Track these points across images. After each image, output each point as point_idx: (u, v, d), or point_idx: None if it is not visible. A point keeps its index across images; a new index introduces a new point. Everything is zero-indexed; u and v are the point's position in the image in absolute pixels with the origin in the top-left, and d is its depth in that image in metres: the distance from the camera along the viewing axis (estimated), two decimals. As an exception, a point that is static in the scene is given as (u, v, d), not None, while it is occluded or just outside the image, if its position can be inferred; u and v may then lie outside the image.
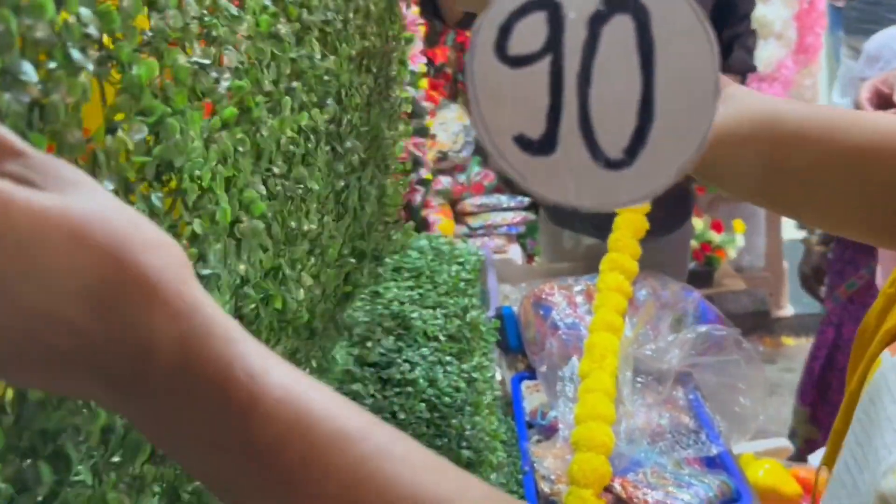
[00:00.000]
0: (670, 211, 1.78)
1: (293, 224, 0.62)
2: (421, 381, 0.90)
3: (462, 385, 0.92)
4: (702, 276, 2.69)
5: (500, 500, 0.35)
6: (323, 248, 0.69)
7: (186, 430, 0.32)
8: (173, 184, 0.46)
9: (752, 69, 2.01)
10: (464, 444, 0.83)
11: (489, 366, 1.20)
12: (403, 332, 0.99)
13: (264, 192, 0.56)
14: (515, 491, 1.28)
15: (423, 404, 0.86)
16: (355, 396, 0.86)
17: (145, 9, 0.43)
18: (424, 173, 2.11)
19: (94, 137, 0.39)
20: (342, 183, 0.75)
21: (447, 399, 0.89)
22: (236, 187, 0.53)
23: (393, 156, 0.93)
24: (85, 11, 0.36)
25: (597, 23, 0.47)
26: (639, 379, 1.55)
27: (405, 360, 0.94)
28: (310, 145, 0.66)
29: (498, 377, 1.87)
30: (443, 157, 2.65)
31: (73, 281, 0.29)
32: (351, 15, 0.76)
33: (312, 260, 0.67)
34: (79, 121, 0.37)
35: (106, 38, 0.39)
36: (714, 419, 1.48)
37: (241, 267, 0.53)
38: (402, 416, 0.84)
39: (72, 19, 0.36)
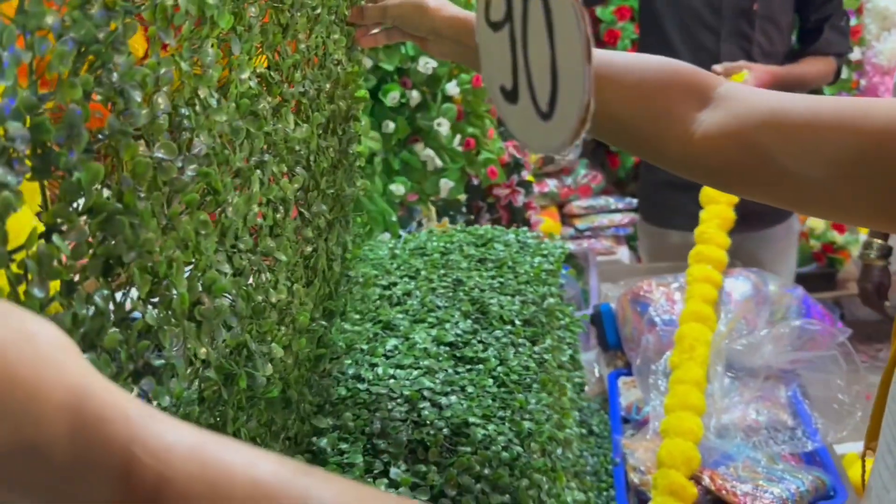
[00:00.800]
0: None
1: (260, 297, 0.61)
2: (492, 359, 0.96)
3: (532, 365, 0.97)
4: (824, 278, 2.58)
5: None
6: (293, 316, 0.69)
7: None
8: (123, 277, 0.45)
9: (845, 51, 1.92)
10: (526, 416, 0.88)
11: (566, 350, 1.24)
12: (480, 315, 1.06)
13: (229, 271, 0.56)
14: (605, 481, 1.31)
15: (491, 380, 0.92)
16: (428, 371, 0.93)
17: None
18: (526, 175, 2.17)
19: (25, 245, 0.38)
20: (310, 248, 0.75)
21: (515, 376, 0.94)
22: (198, 269, 0.52)
23: (352, 212, 0.93)
24: (14, 124, 0.36)
25: (525, 3, 0.56)
26: (729, 374, 1.53)
27: (479, 341, 1.01)
28: (278, 216, 0.66)
29: (596, 373, 1.89)
30: (549, 160, 2.69)
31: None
32: (325, 84, 0.78)
33: (283, 329, 0.66)
34: (3, 233, 0.36)
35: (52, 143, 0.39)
36: (812, 416, 1.45)
37: (202, 350, 0.52)
38: (470, 389, 0.90)
39: None
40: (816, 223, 2.62)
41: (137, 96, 0.44)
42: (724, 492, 1.33)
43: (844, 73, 2.58)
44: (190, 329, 0.51)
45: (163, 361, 0.48)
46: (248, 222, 0.59)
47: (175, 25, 0.48)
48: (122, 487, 0.28)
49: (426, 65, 1.62)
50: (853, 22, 2.55)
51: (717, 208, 1.59)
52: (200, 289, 0.53)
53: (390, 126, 1.64)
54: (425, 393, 0.89)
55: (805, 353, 1.58)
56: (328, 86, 0.79)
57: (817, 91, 1.89)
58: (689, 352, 1.40)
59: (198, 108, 0.52)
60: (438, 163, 1.69)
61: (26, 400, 0.27)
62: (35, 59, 0.38)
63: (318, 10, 0.75)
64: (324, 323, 0.79)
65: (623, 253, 2.68)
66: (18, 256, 0.38)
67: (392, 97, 1.64)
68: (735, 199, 1.60)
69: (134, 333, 0.46)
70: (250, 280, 0.61)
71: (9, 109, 0.36)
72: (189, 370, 0.52)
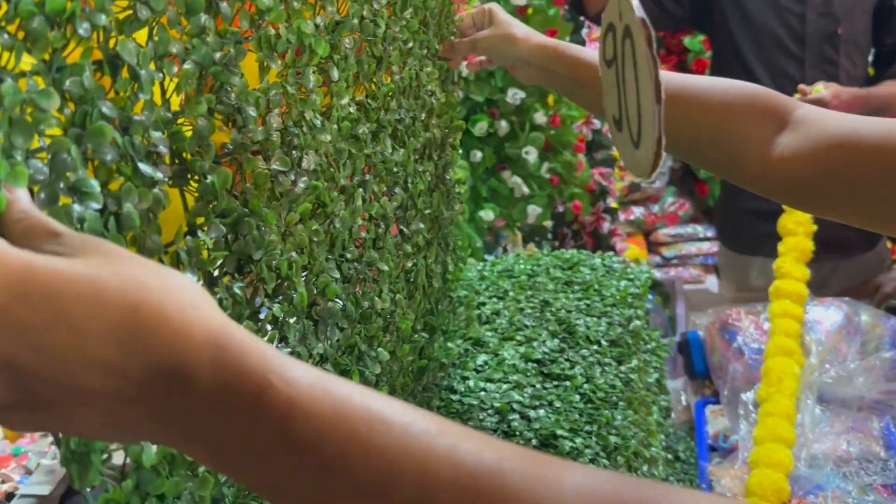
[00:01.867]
0: (856, 230, 1.73)
1: (366, 304, 0.66)
2: (579, 377, 1.00)
3: (618, 384, 1.01)
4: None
5: (553, 467, 0.34)
6: (396, 324, 0.73)
7: (234, 444, 0.33)
8: (253, 274, 0.51)
9: None
10: (612, 431, 0.91)
11: (653, 373, 1.26)
12: (567, 335, 1.10)
13: (338, 276, 0.61)
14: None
15: (577, 396, 0.96)
16: (517, 385, 0.98)
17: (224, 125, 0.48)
18: (611, 202, 2.20)
19: (175, 239, 0.44)
20: (410, 263, 0.79)
21: (601, 394, 0.98)
22: (312, 273, 0.58)
23: (452, 234, 0.97)
24: (156, 133, 0.42)
25: (623, 43, 0.64)
26: (820, 405, 1.52)
27: (566, 359, 1.05)
28: (379, 230, 0.71)
29: (683, 401, 1.90)
30: (635, 187, 2.71)
31: (97, 326, 0.30)
32: (420, 113, 0.83)
33: (387, 336, 0.71)
34: (157, 226, 0.41)
35: (186, 153, 0.45)
36: (908, 447, 1.42)
37: (319, 346, 0.57)
38: (557, 404, 0.95)
39: (138, 141, 0.40)
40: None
41: (253, 113, 0.50)
42: (810, 523, 1.33)
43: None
44: (308, 326, 0.56)
45: (289, 351, 0.53)
46: (353, 234, 0.65)
47: (279, 52, 0.54)
48: (258, 407, 0.32)
49: (514, 96, 1.69)
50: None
51: (794, 241, 1.59)
52: (315, 291, 0.58)
53: (478, 155, 1.71)
54: (514, 405, 0.94)
55: None
56: (423, 115, 0.84)
57: None
58: (776, 385, 1.41)
59: (304, 128, 0.57)
60: (525, 190, 1.75)
61: (172, 335, 0.32)
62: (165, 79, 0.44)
63: (410, 45, 0.81)
64: (425, 335, 0.83)
65: (711, 281, 2.66)
66: (171, 250, 0.44)
67: (480, 127, 1.71)
68: (812, 228, 1.59)
69: (265, 325, 0.52)
70: (357, 287, 0.66)
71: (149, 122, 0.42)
72: (309, 363, 0.57)
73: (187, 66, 0.45)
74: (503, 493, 0.32)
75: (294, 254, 0.55)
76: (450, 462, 0.32)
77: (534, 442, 0.88)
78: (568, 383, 0.99)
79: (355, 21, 0.67)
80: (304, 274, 0.57)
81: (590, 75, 0.75)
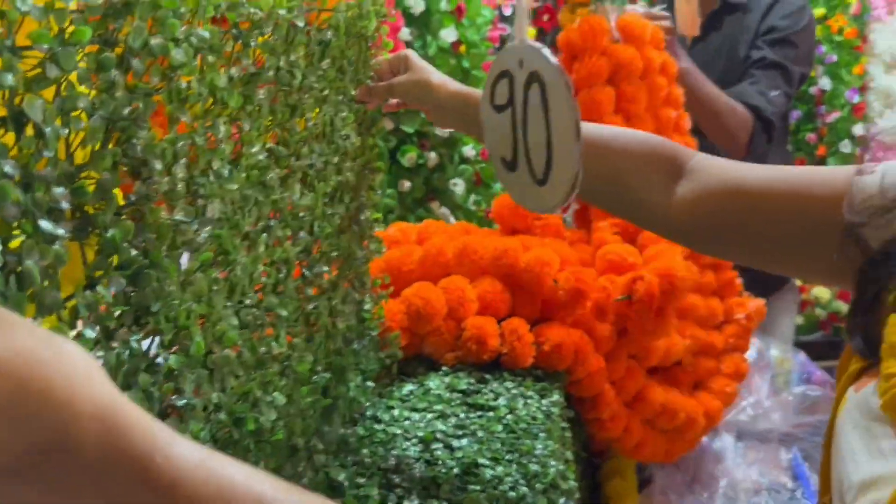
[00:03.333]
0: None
1: (263, 349, 0.67)
2: (502, 408, 1.02)
3: (540, 416, 1.03)
4: (830, 346, 2.63)
5: None
6: (294, 368, 0.74)
7: None
8: (151, 326, 0.51)
9: (762, 108, 1.74)
10: (533, 460, 0.93)
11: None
12: (492, 366, 1.12)
13: (236, 323, 0.61)
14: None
15: (500, 426, 0.98)
16: (441, 415, 0.99)
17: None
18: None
19: (75, 294, 0.44)
20: (311, 305, 0.80)
21: (523, 424, 1.00)
22: (210, 321, 0.58)
23: (368, 273, 0.99)
24: (58, 189, 0.42)
25: (526, 89, 0.68)
26: (740, 443, 1.58)
27: (490, 391, 1.07)
28: (280, 275, 0.71)
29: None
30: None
31: None
32: (333, 158, 0.84)
33: (284, 380, 0.72)
34: (56, 282, 0.41)
35: (88, 206, 0.45)
36: (812, 477, 1.49)
37: (214, 395, 0.58)
38: (480, 433, 0.96)
39: (40, 196, 0.40)
40: (822, 293, 2.67)
41: (159, 165, 0.51)
42: (724, 549, 1.37)
43: (848, 148, 2.67)
44: (204, 375, 0.57)
45: (184, 402, 0.53)
46: (253, 280, 0.65)
47: (189, 105, 0.55)
48: (141, 486, 0.32)
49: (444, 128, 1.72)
50: (857, 99, 2.66)
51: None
52: (212, 339, 0.58)
53: (406, 185, 1.73)
54: (438, 435, 0.95)
55: (808, 418, 1.63)
56: (336, 158, 0.85)
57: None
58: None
59: (211, 177, 0.58)
60: (453, 221, 1.77)
61: (60, 408, 0.31)
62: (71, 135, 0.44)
63: (326, 92, 0.82)
64: (327, 375, 0.83)
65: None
66: (70, 304, 0.44)
67: (409, 158, 1.73)
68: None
69: (161, 376, 0.52)
70: (255, 334, 0.67)
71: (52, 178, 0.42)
72: (203, 413, 0.57)
73: (94, 121, 0.45)
74: None
75: (193, 303, 0.55)
76: None
77: (456, 470, 0.89)
78: (491, 413, 1.01)
79: (271, 73, 0.68)
80: (201, 322, 0.57)
81: None
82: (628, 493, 1.34)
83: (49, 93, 0.42)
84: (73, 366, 0.32)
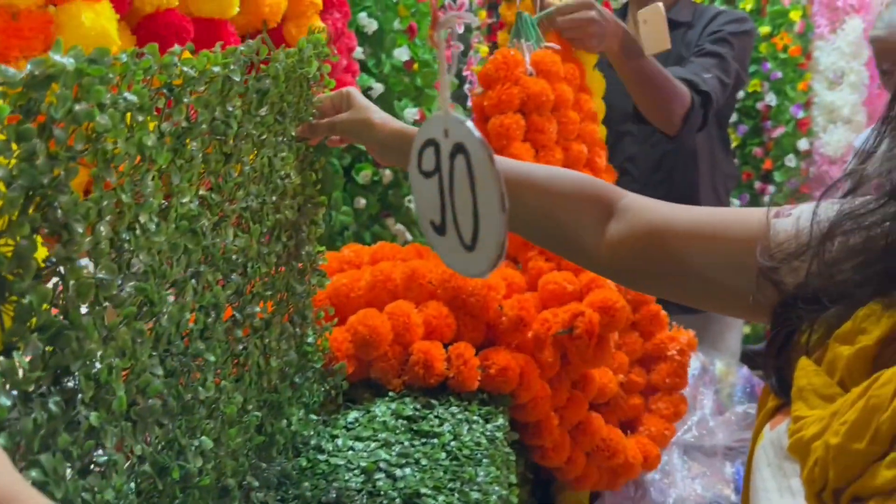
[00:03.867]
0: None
1: (189, 396, 0.66)
2: (447, 434, 1.03)
3: (483, 441, 1.04)
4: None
5: None
6: (222, 409, 0.73)
7: None
8: (70, 385, 0.51)
9: (701, 86, 1.74)
10: (475, 487, 0.94)
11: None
12: (439, 390, 1.13)
13: (161, 373, 0.60)
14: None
15: (444, 453, 0.99)
16: (385, 444, 1.00)
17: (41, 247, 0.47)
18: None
19: None
20: (240, 346, 0.79)
21: (467, 451, 1.01)
22: (134, 373, 0.57)
23: (310, 307, 0.98)
24: None
25: (452, 158, 0.69)
26: (686, 458, 1.61)
27: (436, 416, 1.08)
28: (209, 319, 0.70)
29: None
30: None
31: None
32: (270, 197, 0.83)
33: (211, 423, 0.71)
34: None
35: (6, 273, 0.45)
36: (753, 492, 1.52)
37: (138, 447, 0.57)
38: (423, 461, 0.97)
39: None
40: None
41: (80, 228, 0.50)
42: (667, 563, 1.40)
43: (793, 162, 2.73)
44: (127, 428, 0.56)
45: (105, 458, 0.53)
46: (180, 328, 0.64)
47: (114, 165, 0.54)
48: None
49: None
50: (801, 115, 2.72)
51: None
52: (136, 391, 0.58)
53: (362, 202, 1.73)
54: (381, 464, 0.95)
55: (750, 433, 1.66)
56: (274, 198, 0.85)
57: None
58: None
59: (138, 231, 0.57)
60: (409, 237, 1.78)
61: None
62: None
63: (264, 136, 0.81)
64: (258, 414, 0.82)
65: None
66: None
67: (364, 175, 1.73)
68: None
69: (81, 434, 0.51)
70: (181, 381, 0.66)
71: None
72: (126, 465, 0.56)
73: (13, 190, 0.45)
74: None
75: (115, 359, 0.54)
76: None
77: (397, 501, 0.89)
78: (435, 440, 1.01)
79: (204, 126, 0.67)
80: (125, 375, 0.57)
81: None
82: (579, 508, 1.36)
83: None
84: None
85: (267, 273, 0.84)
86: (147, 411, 0.58)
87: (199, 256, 0.68)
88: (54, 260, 0.49)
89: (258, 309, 0.82)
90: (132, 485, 0.58)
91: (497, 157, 0.74)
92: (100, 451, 0.53)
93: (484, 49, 2.07)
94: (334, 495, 0.88)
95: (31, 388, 0.47)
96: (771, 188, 2.75)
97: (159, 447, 0.61)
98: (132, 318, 0.57)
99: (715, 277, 0.63)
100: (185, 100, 0.63)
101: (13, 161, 0.45)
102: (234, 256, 0.75)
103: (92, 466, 0.53)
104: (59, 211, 0.48)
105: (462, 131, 0.66)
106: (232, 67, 0.70)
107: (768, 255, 0.58)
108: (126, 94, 0.54)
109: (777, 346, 0.54)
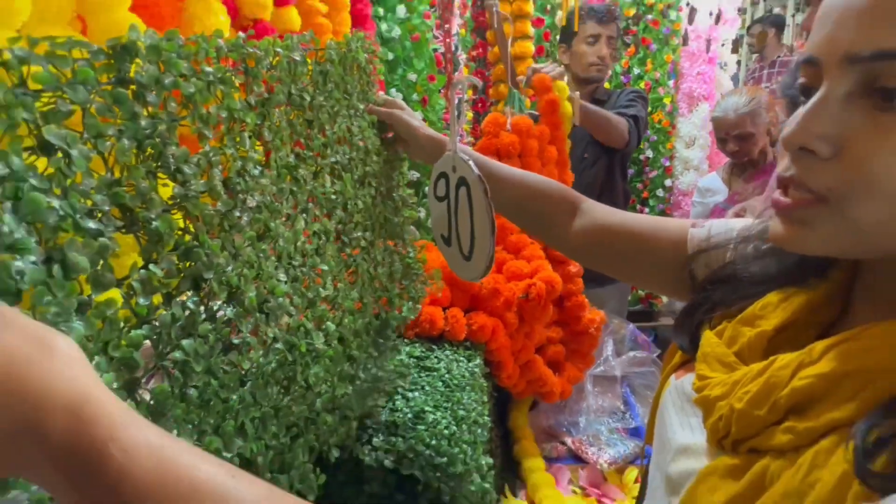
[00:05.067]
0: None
1: (311, 294, 0.58)
2: (443, 369, 0.95)
3: (467, 375, 0.96)
4: (646, 314, 2.64)
5: None
6: (341, 304, 0.65)
7: (76, 497, 0.26)
8: (207, 288, 0.44)
9: (635, 114, 1.70)
10: (461, 406, 0.86)
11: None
12: (438, 339, 1.05)
13: (284, 279, 0.53)
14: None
15: (440, 382, 0.91)
16: (402, 375, 0.91)
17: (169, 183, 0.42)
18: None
19: (130, 273, 0.38)
20: (351, 260, 0.70)
21: (456, 381, 0.93)
22: (262, 280, 0.50)
23: (408, 232, 0.87)
24: (98, 196, 0.35)
25: (457, 189, 0.65)
26: (595, 385, 1.54)
27: (436, 357, 1.00)
28: (321, 242, 0.63)
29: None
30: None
31: None
32: (357, 154, 0.74)
33: (334, 314, 0.63)
34: (109, 266, 0.35)
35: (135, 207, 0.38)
36: (637, 405, 1.46)
37: (270, 331, 0.50)
38: (427, 388, 0.89)
39: (79, 203, 0.34)
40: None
41: (188, 170, 0.43)
42: (580, 452, 1.33)
43: (661, 193, 2.68)
44: (261, 318, 0.49)
45: (238, 341, 0.45)
46: (297, 248, 0.56)
47: (212, 125, 0.46)
48: (95, 472, 0.25)
49: (411, 175, 1.62)
50: (667, 164, 2.67)
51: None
52: (265, 291, 0.50)
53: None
54: (399, 390, 0.87)
55: (636, 368, 1.59)
56: (359, 154, 0.75)
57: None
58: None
59: (247, 177, 0.49)
60: (417, 234, 1.68)
61: (34, 402, 0.25)
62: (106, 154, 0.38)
63: (336, 108, 0.71)
64: (376, 305, 0.74)
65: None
66: (126, 282, 0.38)
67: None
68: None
69: (219, 324, 0.44)
70: (304, 283, 0.57)
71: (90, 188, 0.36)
72: (263, 345, 0.49)
73: (122, 143, 0.38)
74: None
75: (244, 269, 0.47)
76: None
77: (409, 415, 0.81)
78: (435, 373, 0.94)
79: (281, 96, 0.58)
80: (255, 283, 0.49)
81: None
82: (522, 416, 1.29)
83: (76, 122, 0.36)
84: (53, 361, 0.26)
85: (364, 209, 0.75)
86: (276, 306, 0.50)
87: (305, 197, 0.59)
88: (177, 199, 0.42)
89: (357, 234, 0.72)
90: (269, 359, 0.50)
91: (491, 161, 0.69)
92: (236, 338, 0.45)
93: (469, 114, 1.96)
94: (367, 410, 0.80)
95: (169, 291, 0.40)
96: (647, 210, 2.70)
97: (288, 333, 0.53)
98: (254, 240, 0.49)
99: (649, 266, 0.59)
100: (259, 77, 0.55)
101: (119, 120, 0.39)
102: (333, 196, 0.66)
103: (230, 347, 0.46)
104: (171, 159, 0.41)
105: (465, 169, 0.58)
106: (293, 50, 0.60)
107: (689, 255, 0.55)
108: (204, 67, 0.46)
109: (689, 317, 0.49)
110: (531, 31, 1.75)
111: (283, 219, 0.55)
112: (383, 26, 1.48)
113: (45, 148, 0.33)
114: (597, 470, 1.27)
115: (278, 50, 0.57)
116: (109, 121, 0.37)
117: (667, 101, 2.62)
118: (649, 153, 2.73)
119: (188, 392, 0.40)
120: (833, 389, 0.33)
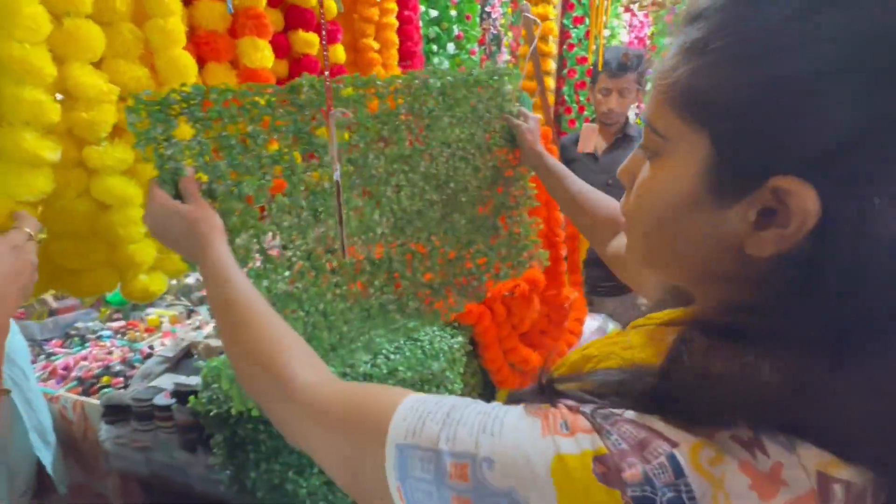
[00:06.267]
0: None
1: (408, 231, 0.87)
2: (425, 340, 1.05)
3: (445, 348, 0.98)
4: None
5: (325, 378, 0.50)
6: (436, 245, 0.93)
7: (213, 284, 0.57)
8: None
9: None
10: (434, 377, 0.95)
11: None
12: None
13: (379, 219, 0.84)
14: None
15: (420, 350, 0.96)
16: (390, 341, 0.97)
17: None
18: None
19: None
20: (449, 225, 0.94)
21: (434, 351, 0.96)
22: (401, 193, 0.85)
23: (524, 214, 1.07)
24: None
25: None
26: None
27: (425, 331, 1.10)
28: (423, 206, 0.89)
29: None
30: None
31: (177, 229, 0.61)
32: (473, 150, 0.96)
33: (423, 251, 0.91)
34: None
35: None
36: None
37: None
38: (408, 354, 0.96)
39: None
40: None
41: (324, 153, 0.76)
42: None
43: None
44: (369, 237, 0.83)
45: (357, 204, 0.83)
46: (400, 206, 0.84)
47: (351, 131, 0.80)
48: (218, 277, 0.57)
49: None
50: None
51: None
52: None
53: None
54: (383, 352, 0.93)
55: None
56: (477, 152, 0.96)
57: None
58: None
59: (405, 165, 0.83)
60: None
61: (202, 238, 0.60)
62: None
63: (460, 115, 0.92)
64: (469, 261, 1.00)
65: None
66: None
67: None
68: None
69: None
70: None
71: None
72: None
73: (280, 138, 0.72)
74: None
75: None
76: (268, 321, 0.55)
77: (385, 372, 0.86)
78: (418, 343, 1.00)
79: (403, 109, 0.85)
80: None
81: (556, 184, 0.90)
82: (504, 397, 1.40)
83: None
84: (209, 226, 0.61)
85: (478, 187, 0.97)
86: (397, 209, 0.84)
87: (417, 176, 0.86)
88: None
89: (468, 206, 0.96)
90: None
91: (561, 166, 0.85)
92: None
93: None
94: (351, 364, 0.95)
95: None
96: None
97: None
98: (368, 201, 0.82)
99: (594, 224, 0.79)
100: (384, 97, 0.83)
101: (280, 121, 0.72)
102: (441, 177, 0.90)
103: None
104: (314, 145, 0.74)
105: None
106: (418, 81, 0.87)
107: None
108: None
109: None
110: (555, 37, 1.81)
111: (394, 188, 0.84)
112: (435, 60, 1.64)
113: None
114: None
115: (399, 81, 0.82)
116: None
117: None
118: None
119: None
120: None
